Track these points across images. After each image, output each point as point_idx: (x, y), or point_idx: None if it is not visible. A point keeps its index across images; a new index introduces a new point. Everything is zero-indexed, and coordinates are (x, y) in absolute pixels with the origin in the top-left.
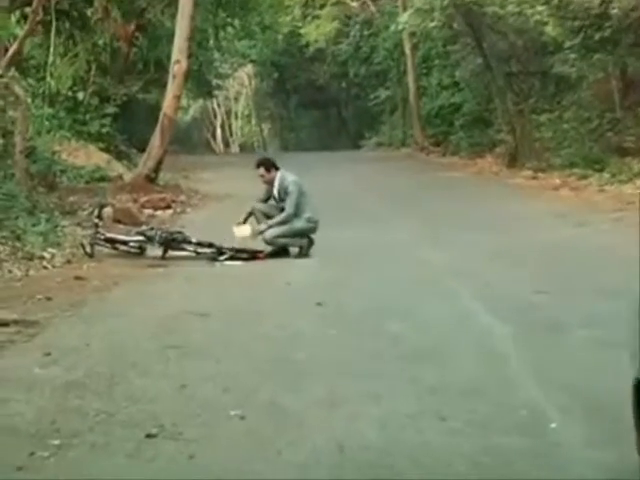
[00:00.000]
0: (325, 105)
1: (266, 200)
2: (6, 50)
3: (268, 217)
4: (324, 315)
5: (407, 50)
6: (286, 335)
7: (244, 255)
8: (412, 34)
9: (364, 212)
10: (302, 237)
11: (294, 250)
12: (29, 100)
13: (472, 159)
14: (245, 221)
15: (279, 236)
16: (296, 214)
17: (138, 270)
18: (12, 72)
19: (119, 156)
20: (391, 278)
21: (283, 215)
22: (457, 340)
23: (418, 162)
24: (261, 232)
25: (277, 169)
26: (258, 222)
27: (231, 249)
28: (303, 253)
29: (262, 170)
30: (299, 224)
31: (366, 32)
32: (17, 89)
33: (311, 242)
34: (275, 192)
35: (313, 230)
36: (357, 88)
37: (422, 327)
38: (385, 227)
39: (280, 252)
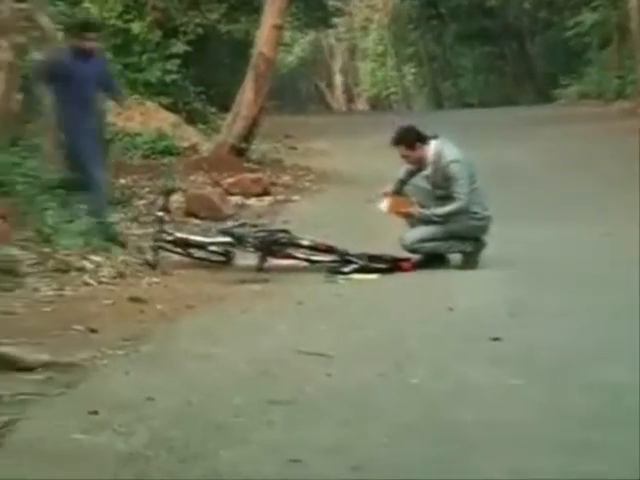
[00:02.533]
0: (498, 38)
1: (412, 175)
2: None
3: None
4: (502, 356)
5: None
6: (446, 387)
7: (381, 265)
8: None
9: (560, 202)
10: (463, 240)
11: (455, 257)
12: (60, 35)
13: None
14: (398, 192)
15: (426, 240)
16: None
17: (223, 288)
18: None
19: (192, 117)
20: (606, 301)
21: (453, 207)
22: None
23: None
24: (422, 220)
25: (426, 141)
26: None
27: (362, 256)
28: (469, 262)
29: (403, 149)
30: (458, 223)
31: None
32: (43, 20)
33: (480, 245)
34: (429, 173)
35: (481, 231)
36: (548, 10)
37: None
38: (595, 223)
39: (435, 260)
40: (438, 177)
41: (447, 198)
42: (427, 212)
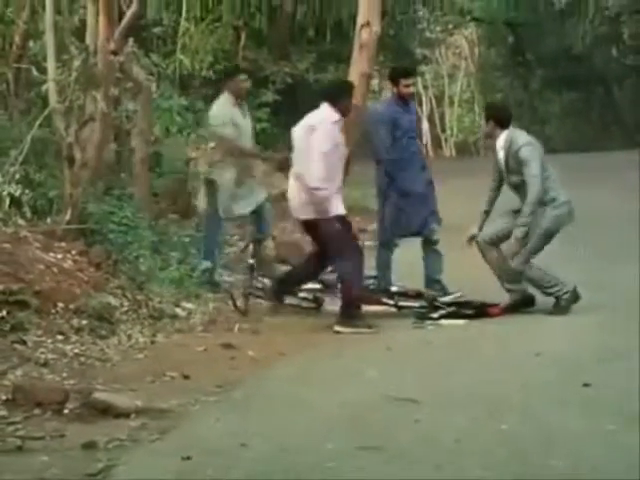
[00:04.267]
0: (585, 84)
1: (499, 186)
2: (121, 14)
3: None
4: (595, 402)
5: None
6: (536, 433)
7: (469, 310)
8: None
9: None
10: (564, 283)
11: (546, 300)
12: (153, 86)
13: None
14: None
15: (533, 252)
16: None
17: (313, 334)
18: (130, 46)
19: (281, 165)
20: None
21: (532, 196)
22: None
23: None
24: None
25: (503, 125)
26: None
27: (450, 302)
28: (560, 309)
29: (484, 115)
30: (545, 217)
31: None
32: (136, 71)
33: (576, 297)
34: (500, 159)
35: (568, 218)
36: (636, 56)
37: None
38: None
39: (524, 304)
40: (511, 162)
41: (522, 185)
42: (518, 229)
